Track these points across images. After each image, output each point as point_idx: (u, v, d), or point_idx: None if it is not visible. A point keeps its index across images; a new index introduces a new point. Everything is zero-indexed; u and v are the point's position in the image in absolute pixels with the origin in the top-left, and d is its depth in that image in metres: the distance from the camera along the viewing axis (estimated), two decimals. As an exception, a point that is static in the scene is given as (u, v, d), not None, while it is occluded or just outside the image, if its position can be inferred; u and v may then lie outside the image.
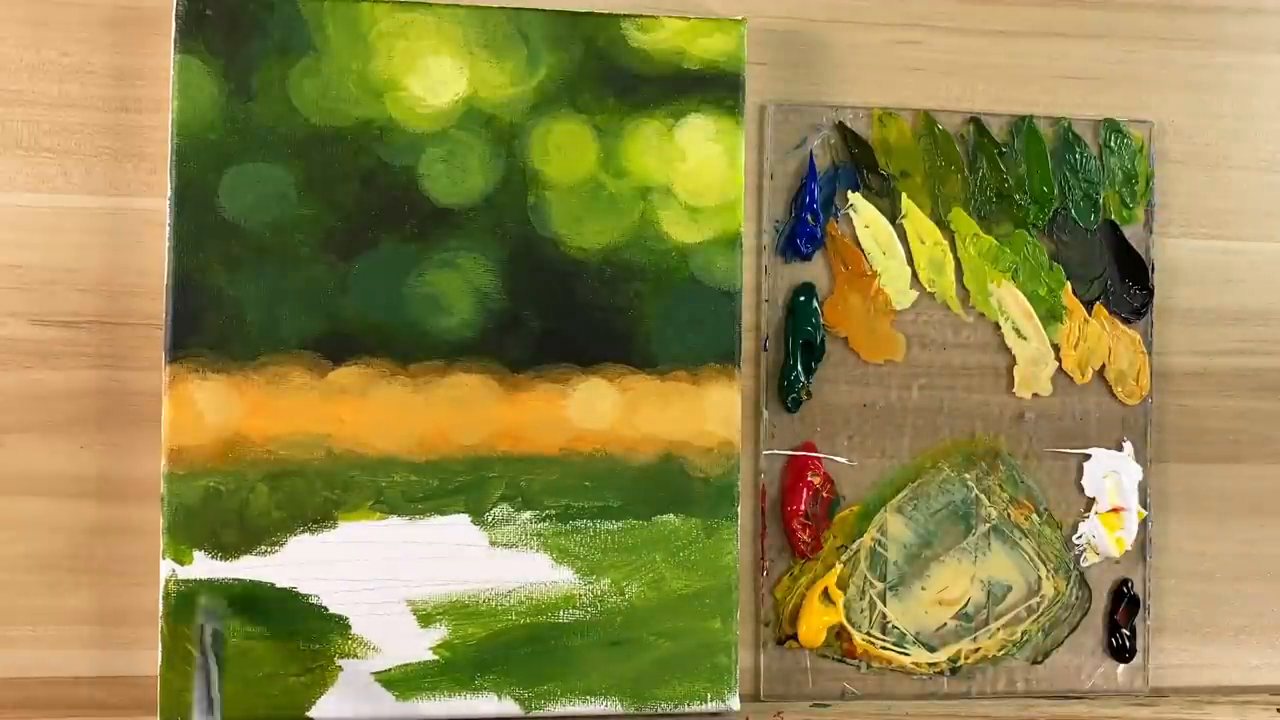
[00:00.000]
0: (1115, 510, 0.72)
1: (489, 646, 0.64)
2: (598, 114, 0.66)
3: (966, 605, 0.71)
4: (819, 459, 0.70)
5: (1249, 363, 0.74)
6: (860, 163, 0.70)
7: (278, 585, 0.63)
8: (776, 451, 0.70)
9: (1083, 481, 0.72)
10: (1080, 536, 0.72)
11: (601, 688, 0.65)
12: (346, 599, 0.63)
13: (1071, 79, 0.73)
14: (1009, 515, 0.71)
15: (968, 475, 0.71)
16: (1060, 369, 0.72)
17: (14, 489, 0.64)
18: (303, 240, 0.63)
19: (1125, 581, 0.72)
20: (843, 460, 0.70)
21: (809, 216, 0.70)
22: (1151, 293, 0.73)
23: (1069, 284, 0.72)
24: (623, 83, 0.66)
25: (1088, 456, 0.72)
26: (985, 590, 0.71)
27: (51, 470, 0.64)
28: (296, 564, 0.63)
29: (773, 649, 0.69)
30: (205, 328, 0.63)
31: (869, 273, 0.70)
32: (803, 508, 0.69)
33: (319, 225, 0.64)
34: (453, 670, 0.64)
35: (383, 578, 0.64)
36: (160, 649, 0.62)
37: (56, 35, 0.65)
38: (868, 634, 0.70)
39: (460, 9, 0.65)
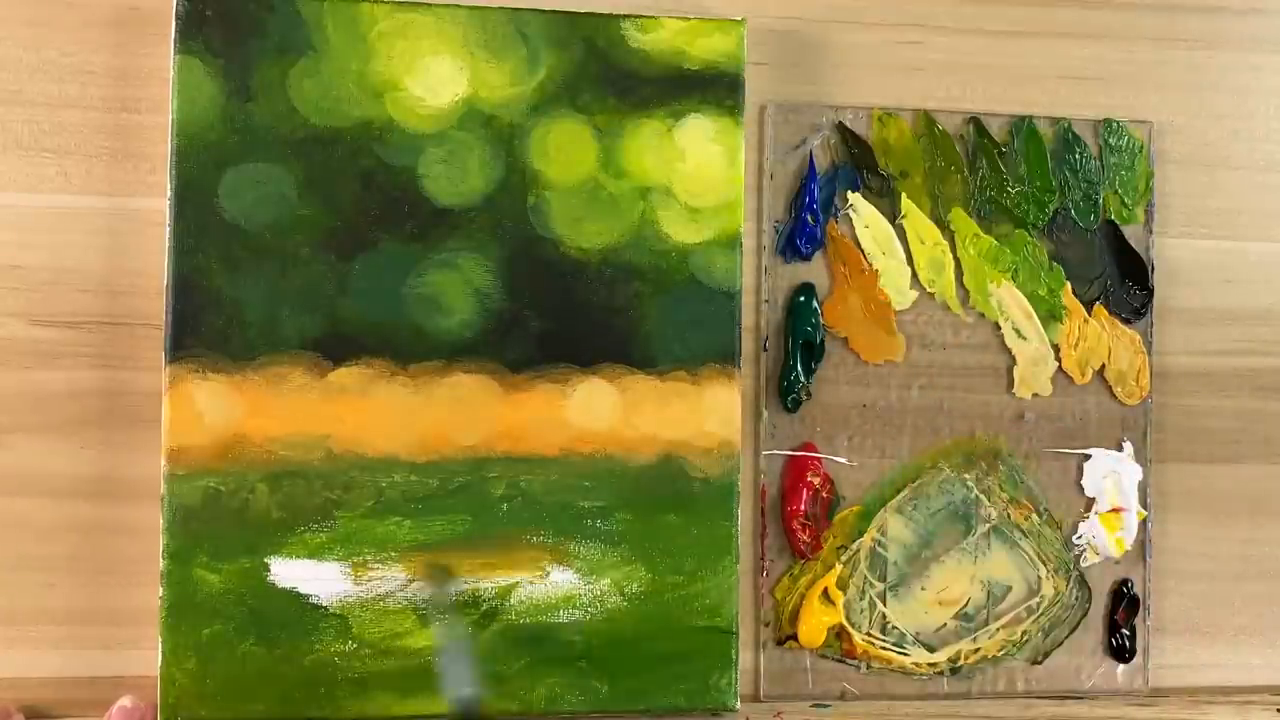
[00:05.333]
0: (1115, 510, 0.72)
1: (489, 647, 0.64)
2: (597, 114, 0.66)
3: (966, 605, 0.71)
4: (819, 459, 0.70)
5: (1249, 363, 0.74)
6: (860, 163, 0.70)
7: (278, 585, 0.63)
8: (776, 452, 0.69)
9: (1083, 481, 0.72)
10: (1080, 537, 0.72)
11: (601, 688, 0.65)
12: (346, 600, 0.63)
13: (1071, 79, 0.73)
14: (1009, 515, 0.71)
15: (968, 475, 0.71)
16: (1060, 369, 0.72)
17: (14, 489, 0.64)
18: (302, 240, 0.63)
19: (1125, 581, 0.72)
20: (843, 460, 0.70)
21: (809, 216, 0.70)
22: (1151, 293, 0.72)
23: (1069, 284, 0.72)
24: (622, 83, 0.66)
25: (1088, 456, 0.72)
26: (985, 590, 0.71)
27: (51, 470, 0.64)
28: (296, 564, 0.63)
29: (773, 649, 0.69)
30: (205, 328, 0.63)
31: (869, 273, 0.70)
32: (803, 508, 0.69)
33: (319, 225, 0.64)
34: (452, 670, 0.64)
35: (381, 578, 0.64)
36: (160, 649, 0.62)
37: (56, 35, 0.65)
38: (868, 634, 0.70)
39: (460, 9, 0.65)
